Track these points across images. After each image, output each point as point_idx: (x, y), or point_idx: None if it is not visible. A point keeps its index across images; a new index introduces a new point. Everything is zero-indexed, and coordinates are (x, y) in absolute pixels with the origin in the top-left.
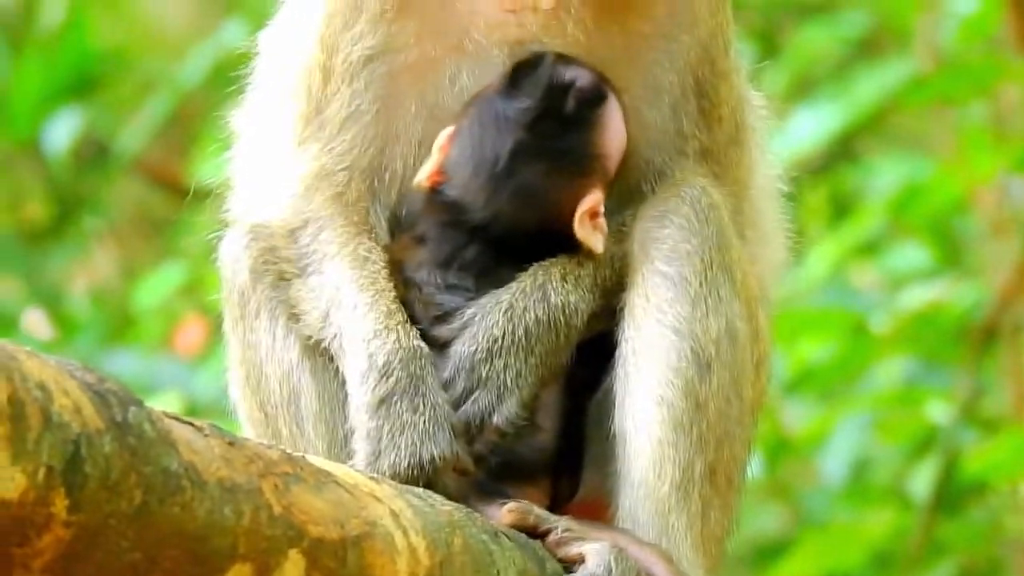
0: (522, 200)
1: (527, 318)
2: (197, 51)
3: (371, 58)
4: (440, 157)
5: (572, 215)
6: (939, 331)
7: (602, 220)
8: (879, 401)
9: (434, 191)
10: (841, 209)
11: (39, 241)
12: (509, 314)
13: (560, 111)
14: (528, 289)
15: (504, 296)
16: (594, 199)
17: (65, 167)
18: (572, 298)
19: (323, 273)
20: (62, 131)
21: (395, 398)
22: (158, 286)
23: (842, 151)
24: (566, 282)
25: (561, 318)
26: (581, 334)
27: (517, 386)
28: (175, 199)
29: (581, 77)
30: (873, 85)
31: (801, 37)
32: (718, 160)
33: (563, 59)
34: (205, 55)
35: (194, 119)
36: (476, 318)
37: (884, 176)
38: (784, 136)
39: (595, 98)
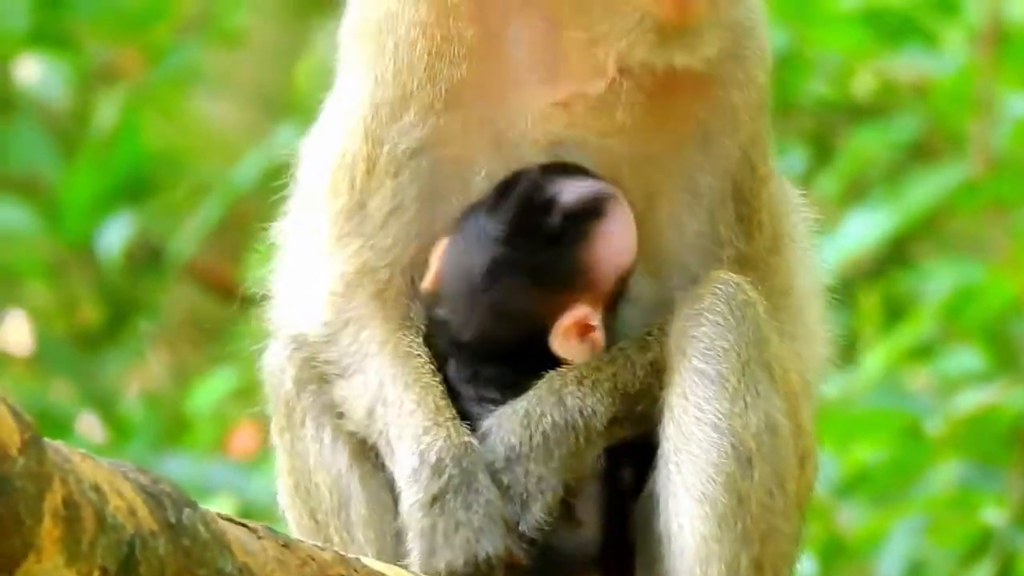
0: (498, 317)
1: (544, 423)
2: (250, 155)
3: (417, 151)
4: (436, 267)
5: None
6: (993, 434)
7: (597, 334)
8: (933, 504)
9: (429, 311)
10: (895, 312)
11: (92, 345)
12: (526, 421)
13: (539, 227)
14: (544, 395)
15: (520, 404)
16: (578, 314)
17: (118, 271)
18: (589, 401)
19: (366, 372)
20: (115, 234)
21: (448, 495)
22: (211, 390)
23: (895, 254)
24: (582, 385)
25: (579, 421)
26: (603, 437)
27: (540, 491)
28: (227, 303)
29: (568, 191)
30: (926, 189)
31: (854, 141)
32: (755, 267)
33: (556, 171)
34: (258, 159)
35: (247, 223)
36: (494, 428)
37: (938, 279)
38: (837, 240)
39: (582, 213)
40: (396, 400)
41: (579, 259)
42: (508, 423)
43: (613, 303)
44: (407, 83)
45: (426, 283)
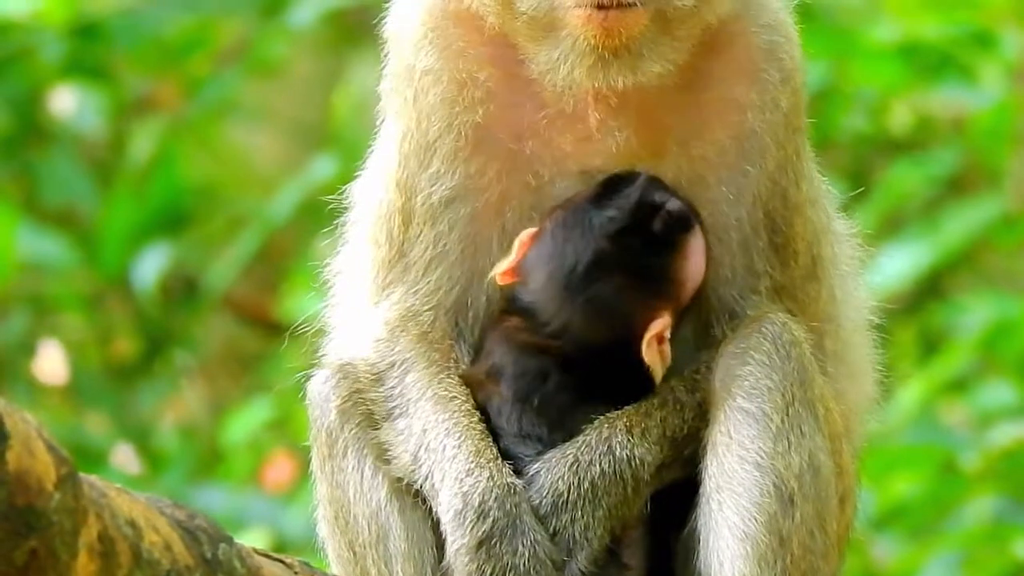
0: (594, 312)
1: (592, 472)
2: (286, 187)
3: (452, 199)
4: (519, 255)
5: (641, 336)
6: None
7: (667, 347)
8: (968, 538)
9: (508, 299)
10: (930, 346)
11: (128, 377)
12: (575, 468)
13: (647, 229)
14: (593, 443)
15: (569, 450)
16: (663, 323)
17: (154, 303)
18: (638, 451)
19: (409, 416)
20: (150, 266)
21: (494, 540)
22: (246, 421)
23: (931, 288)
24: (632, 435)
25: (627, 471)
26: (651, 486)
27: (586, 539)
28: (263, 335)
29: (672, 201)
30: (962, 223)
31: (890, 175)
32: (793, 296)
33: (656, 181)
34: (294, 191)
35: (283, 255)
36: (542, 472)
37: (973, 314)
38: (873, 273)
39: (682, 223)
40: (439, 445)
41: (676, 268)
42: (557, 469)
43: (681, 319)
44: (428, 132)
45: (502, 270)
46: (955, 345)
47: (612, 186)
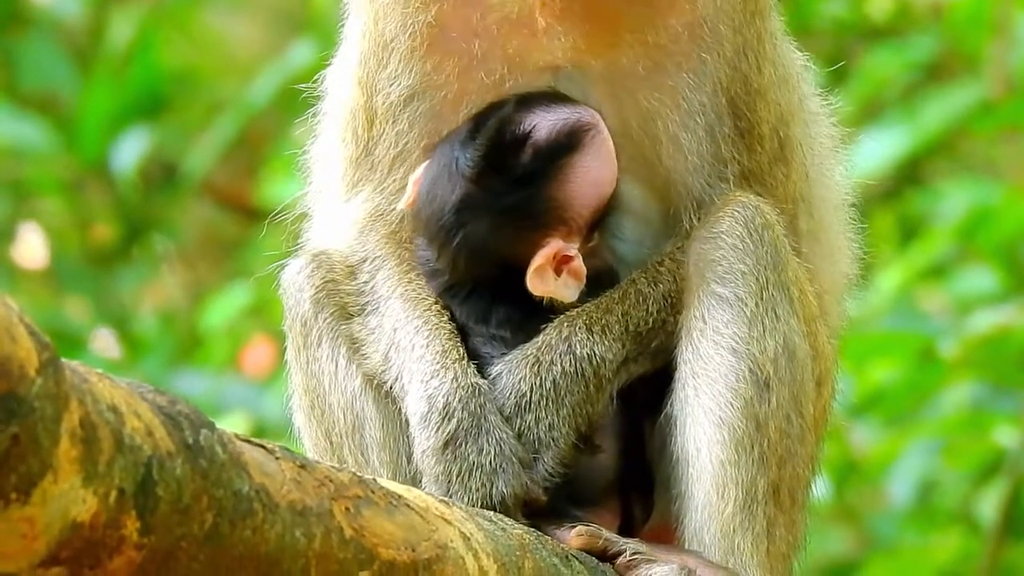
0: (470, 254)
1: (553, 371)
2: (265, 72)
3: (411, 97)
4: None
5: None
6: (1007, 355)
7: (576, 263)
8: (946, 425)
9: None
10: (909, 233)
11: (108, 262)
12: (536, 368)
13: (510, 165)
14: (553, 342)
15: (530, 350)
16: (550, 251)
17: (133, 188)
18: (598, 349)
19: (381, 314)
20: (130, 152)
21: (459, 440)
22: (226, 307)
23: (910, 175)
24: (592, 332)
25: (589, 369)
26: (615, 382)
27: (552, 439)
28: (243, 220)
29: (542, 126)
30: (941, 110)
31: (870, 61)
32: (761, 181)
33: (533, 102)
34: (274, 76)
35: (262, 140)
36: (504, 373)
37: (953, 200)
38: (852, 159)
39: (556, 149)
40: (407, 345)
41: (552, 197)
42: (518, 369)
43: (594, 227)
44: (384, 31)
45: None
46: (934, 232)
47: (481, 120)
